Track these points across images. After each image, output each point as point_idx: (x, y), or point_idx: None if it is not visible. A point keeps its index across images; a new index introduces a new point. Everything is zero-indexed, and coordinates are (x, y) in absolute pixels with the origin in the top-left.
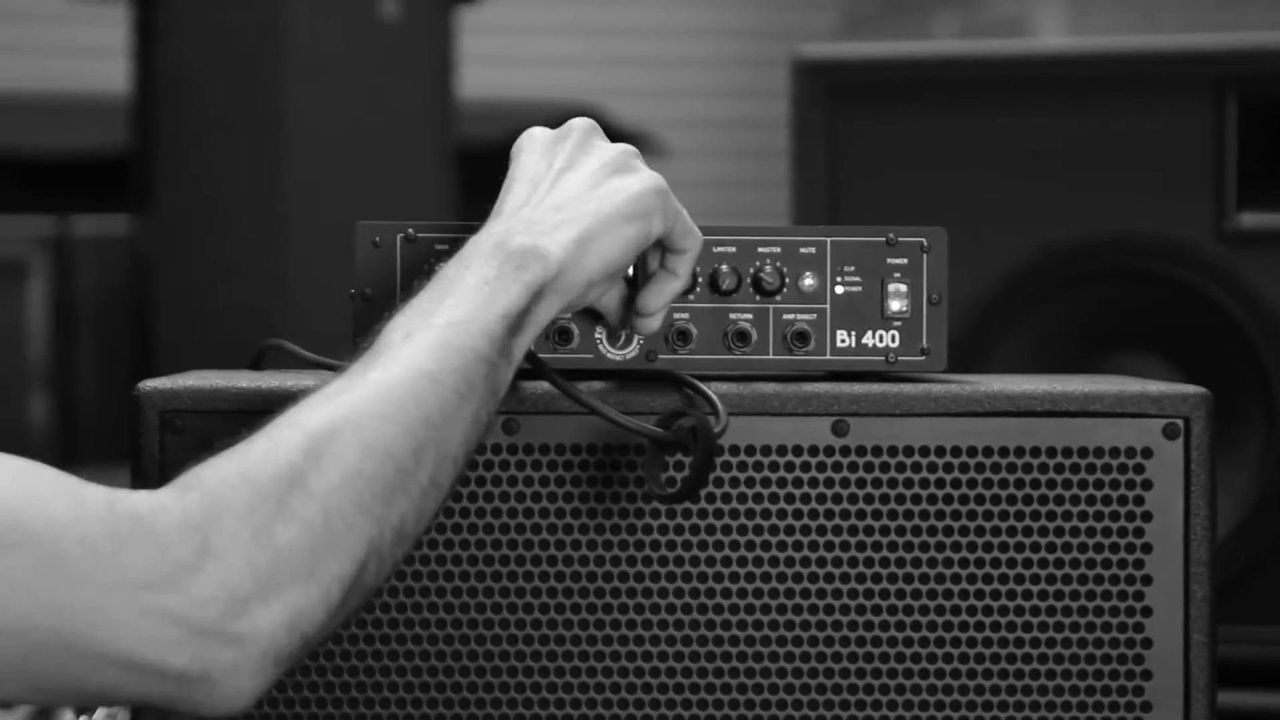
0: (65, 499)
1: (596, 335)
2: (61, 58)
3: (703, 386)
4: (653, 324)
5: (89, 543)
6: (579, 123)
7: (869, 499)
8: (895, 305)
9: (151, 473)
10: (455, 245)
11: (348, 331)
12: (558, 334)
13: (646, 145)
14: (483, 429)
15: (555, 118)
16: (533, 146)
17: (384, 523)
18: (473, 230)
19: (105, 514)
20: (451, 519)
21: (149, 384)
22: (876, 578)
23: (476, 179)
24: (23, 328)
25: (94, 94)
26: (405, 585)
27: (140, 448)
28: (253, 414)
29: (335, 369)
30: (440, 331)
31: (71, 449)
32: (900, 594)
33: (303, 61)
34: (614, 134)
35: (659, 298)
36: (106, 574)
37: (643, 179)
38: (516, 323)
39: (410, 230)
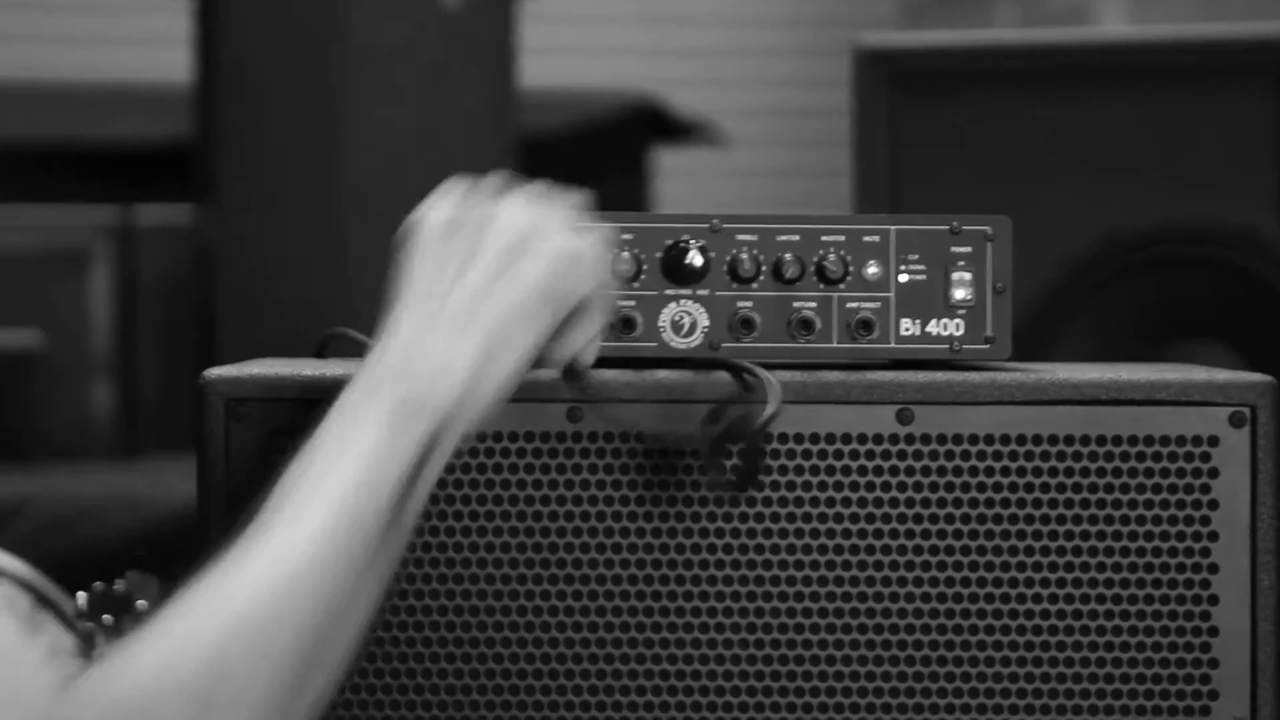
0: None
1: (659, 323)
2: (124, 47)
3: (762, 373)
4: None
5: None
6: (472, 214)
7: (934, 487)
8: (959, 294)
9: (217, 461)
10: None
11: None
12: (622, 322)
13: (706, 134)
14: (383, 588)
15: (615, 107)
16: (426, 243)
17: (294, 711)
18: None
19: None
20: (516, 506)
21: (214, 372)
22: (941, 565)
23: (536, 168)
24: (86, 317)
25: (156, 84)
26: (470, 572)
27: (206, 436)
28: (317, 401)
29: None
30: (335, 507)
31: (134, 438)
32: (965, 582)
33: (364, 51)
34: (674, 124)
35: (566, 350)
36: None
37: (544, 260)
38: (410, 482)
39: None
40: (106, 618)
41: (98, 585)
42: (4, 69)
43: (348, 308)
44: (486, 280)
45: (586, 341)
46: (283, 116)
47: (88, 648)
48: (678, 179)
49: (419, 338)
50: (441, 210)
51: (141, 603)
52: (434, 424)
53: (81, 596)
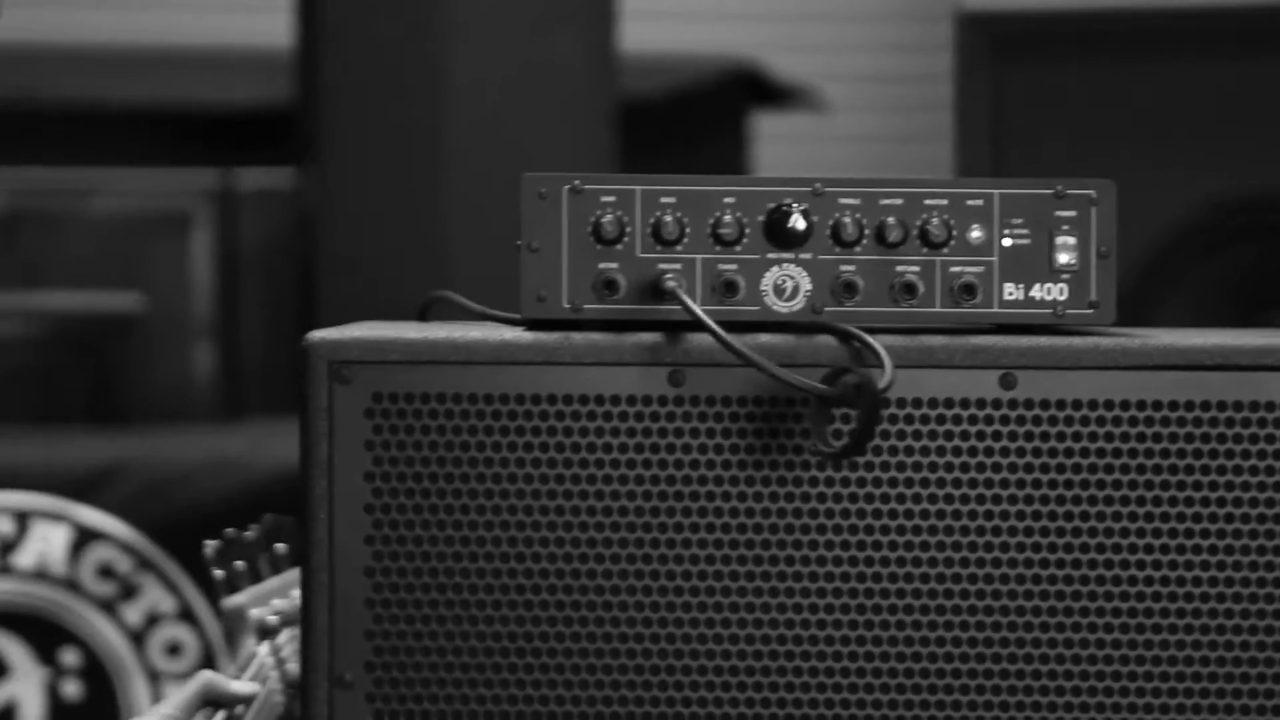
0: None
1: (761, 287)
2: (226, 11)
3: (870, 339)
4: None
5: None
6: None
7: (1037, 452)
8: (1063, 258)
9: (320, 423)
10: (621, 198)
11: (514, 282)
12: (724, 286)
13: (805, 99)
14: None
15: (714, 72)
16: None
17: None
18: (638, 184)
19: None
20: (618, 469)
21: (318, 335)
22: (1045, 531)
23: (636, 133)
24: (187, 280)
25: (258, 47)
26: (571, 535)
27: (309, 398)
28: (420, 364)
29: (501, 320)
30: None
31: (237, 401)
32: (1069, 547)
33: (465, 13)
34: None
35: None
36: None
37: None
38: None
39: (576, 182)
40: (239, 563)
41: (229, 531)
42: (107, 33)
43: (448, 270)
44: None
45: None
46: (383, 79)
47: (222, 593)
48: (777, 144)
49: None
50: None
51: (279, 546)
52: None
53: (211, 544)
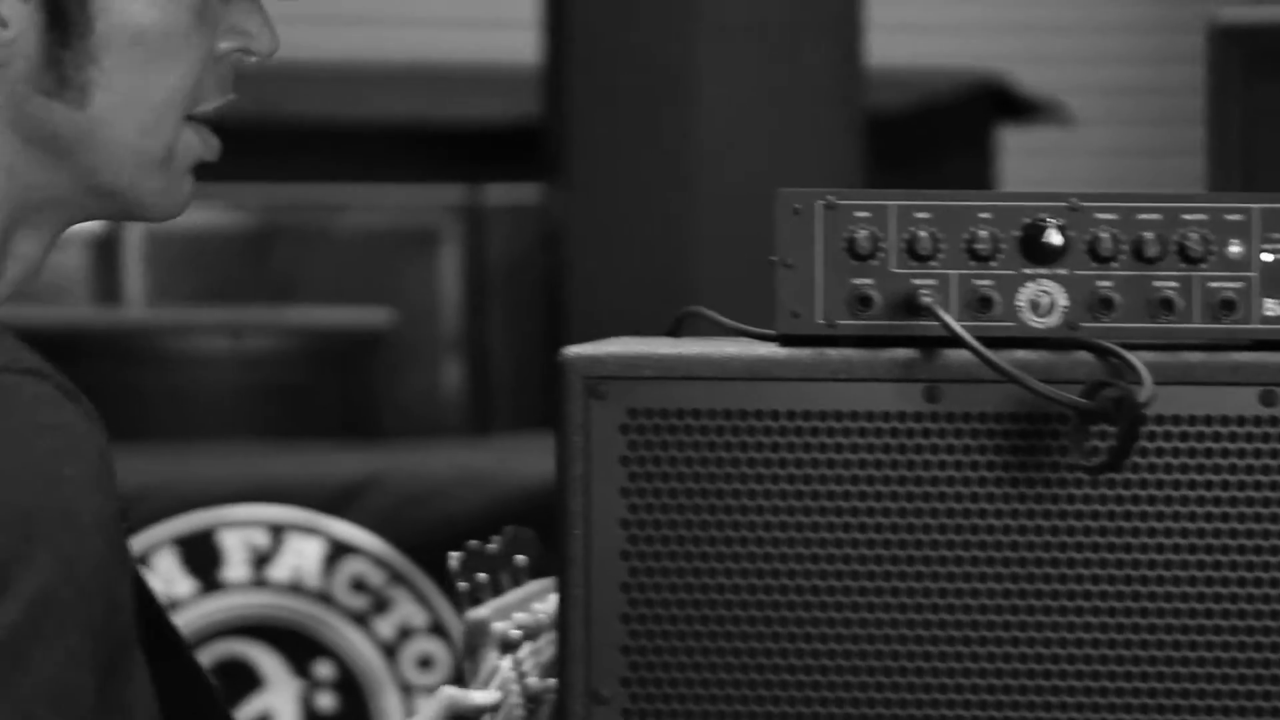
0: None
1: (1017, 302)
2: (474, 28)
3: (1128, 355)
4: None
5: None
6: None
7: None
8: None
9: (576, 439)
10: (875, 214)
11: (763, 297)
12: (979, 301)
13: (1052, 113)
14: None
15: (961, 85)
16: None
17: None
18: (891, 199)
19: None
20: (873, 486)
21: (573, 351)
22: None
23: (882, 147)
24: (436, 295)
25: (506, 63)
26: (827, 553)
27: (565, 414)
28: (675, 380)
29: (754, 335)
30: None
31: (485, 415)
32: None
33: (714, 28)
34: (1020, 102)
35: None
36: None
37: None
38: None
39: (830, 198)
40: (482, 576)
41: (472, 543)
42: (355, 51)
43: (697, 284)
44: None
45: None
46: (631, 94)
47: (465, 605)
48: (1022, 158)
49: None
50: None
51: (520, 558)
52: None
53: (455, 556)
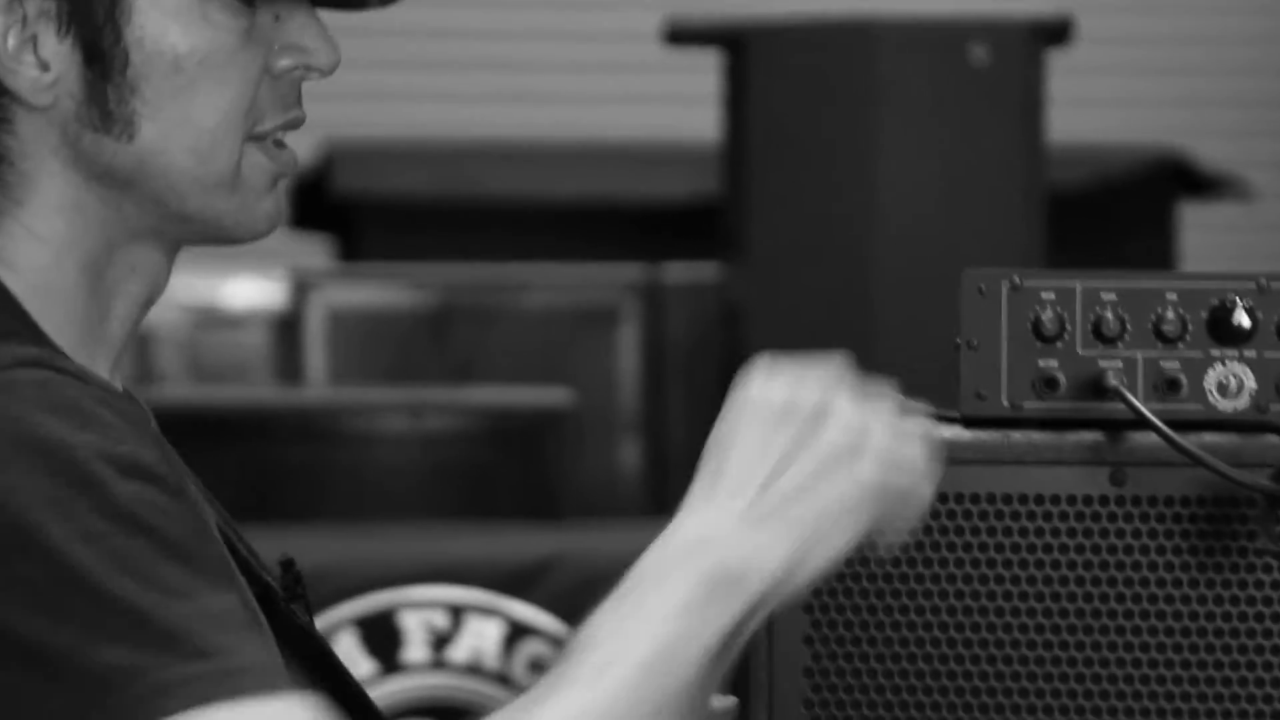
0: None
1: (1205, 385)
2: (654, 105)
3: None
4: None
5: None
6: (808, 402)
7: None
8: None
9: None
10: (1060, 295)
11: (946, 377)
12: (1166, 384)
13: (1233, 188)
14: None
15: (1140, 161)
16: (754, 421)
17: None
18: (1079, 279)
19: None
20: (1058, 570)
21: None
22: None
23: (1061, 224)
24: (614, 374)
25: (685, 140)
26: (1011, 637)
27: None
28: None
29: (938, 417)
30: (635, 673)
31: (662, 494)
32: None
33: (894, 107)
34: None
35: (883, 542)
36: None
37: (875, 463)
38: (724, 649)
39: (1015, 278)
40: None
41: None
42: (534, 129)
43: (877, 364)
44: (813, 476)
45: (903, 536)
46: (812, 172)
47: None
48: (1203, 233)
49: (735, 519)
50: (775, 391)
51: None
52: (746, 603)
53: None
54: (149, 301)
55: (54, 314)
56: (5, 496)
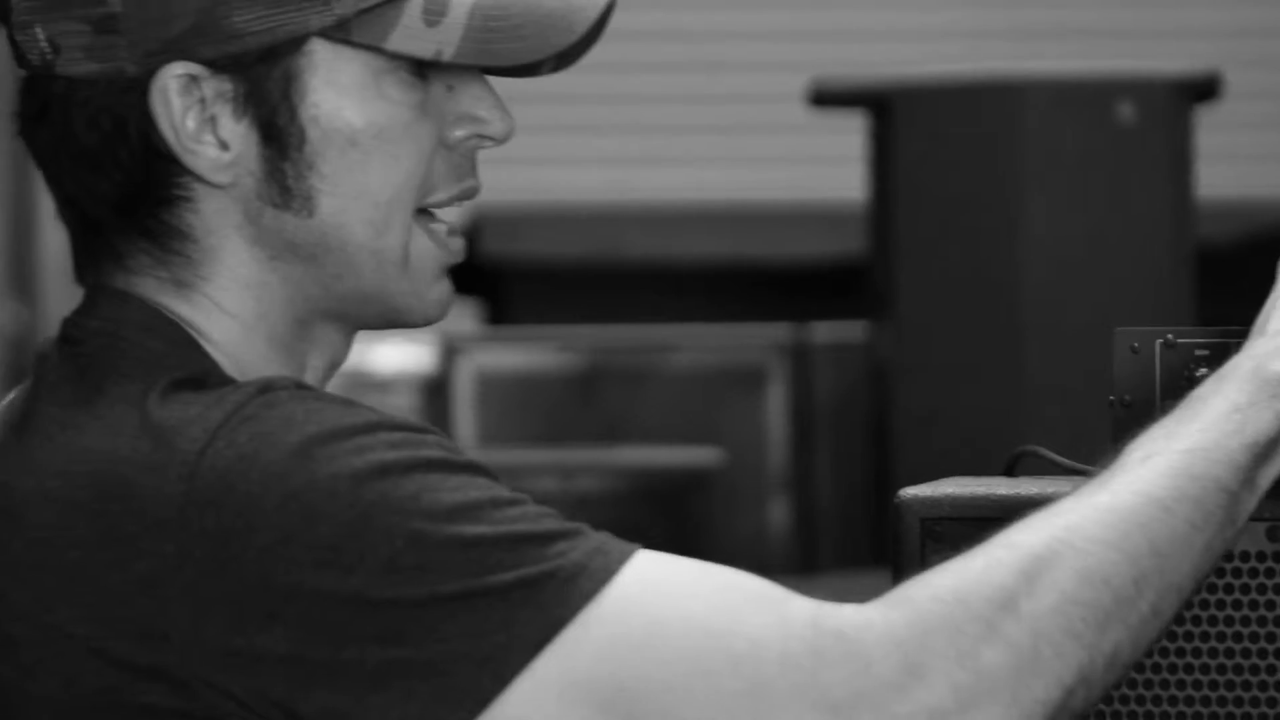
0: (768, 616)
1: None
2: (799, 165)
3: None
4: None
5: (790, 661)
6: None
7: None
8: None
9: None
10: (1215, 352)
11: (1099, 438)
12: None
13: None
14: (1216, 558)
15: None
16: None
17: (1095, 650)
18: (1233, 337)
19: (808, 631)
20: (1215, 626)
21: (909, 492)
22: None
23: (1215, 279)
24: (762, 433)
25: (830, 201)
26: (1168, 694)
27: (901, 555)
28: (1012, 521)
29: (1092, 475)
30: (1179, 457)
31: (811, 554)
32: None
33: (1040, 165)
34: None
35: None
36: (806, 694)
37: None
38: (1265, 451)
39: (1169, 336)
40: None
41: None
42: (679, 191)
43: (1027, 422)
44: None
45: None
46: (958, 231)
47: None
48: None
49: None
50: None
51: None
52: None
53: None
54: (330, 374)
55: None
56: (330, 486)
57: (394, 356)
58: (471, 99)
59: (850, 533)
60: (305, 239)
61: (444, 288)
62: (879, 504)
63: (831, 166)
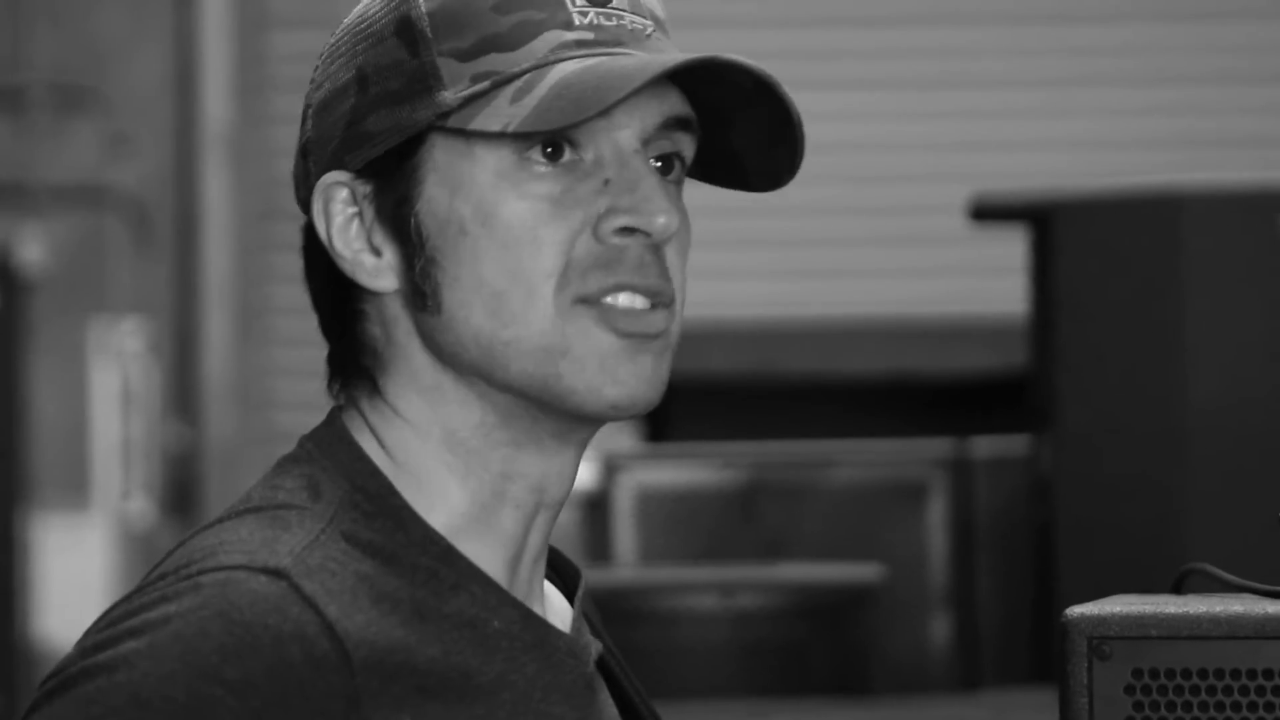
0: None
1: None
2: (958, 277)
3: None
4: None
5: None
6: None
7: None
8: None
9: (1080, 700)
10: None
11: (1268, 554)
12: None
13: None
14: None
15: None
16: None
17: None
18: None
19: None
20: None
21: (1076, 610)
22: None
23: None
24: (924, 549)
25: (990, 314)
26: None
27: (1069, 674)
28: (1181, 639)
29: (1262, 593)
30: None
31: (974, 670)
32: None
33: (1204, 278)
34: None
35: None
36: None
37: None
38: None
39: None
40: None
41: None
42: (838, 304)
43: (1193, 539)
44: None
45: None
46: (1120, 344)
47: None
48: None
49: None
50: None
51: None
52: None
53: None
54: (542, 505)
55: (426, 493)
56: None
57: None
58: (624, 191)
59: (1012, 649)
60: (445, 337)
61: (628, 371)
62: (1041, 619)
63: (993, 279)
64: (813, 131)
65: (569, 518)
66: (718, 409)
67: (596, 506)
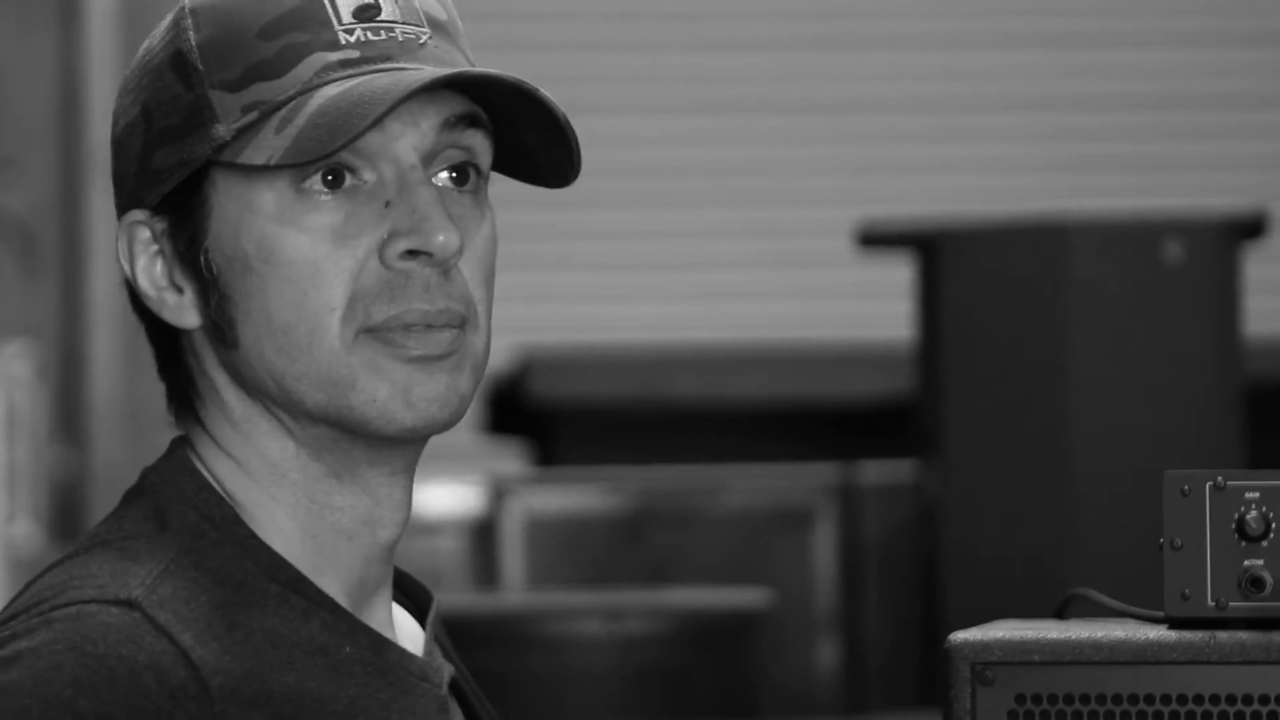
0: None
1: None
2: (850, 303)
3: None
4: None
5: None
6: None
7: None
8: None
9: None
10: (1265, 494)
11: (1149, 580)
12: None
13: None
14: None
15: None
16: None
17: None
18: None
19: None
20: None
21: (959, 635)
22: None
23: (1264, 418)
24: (810, 574)
25: (877, 341)
26: None
27: (951, 700)
28: (1064, 665)
29: (1142, 618)
30: None
31: (860, 695)
32: None
33: (1087, 307)
34: None
35: None
36: None
37: None
38: None
39: (1219, 479)
40: None
41: None
42: (724, 329)
43: (1077, 565)
44: None
45: None
46: (1006, 371)
47: None
48: None
49: None
50: None
51: None
52: None
53: None
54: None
55: (260, 524)
56: None
57: (441, 499)
58: (404, 213)
59: (899, 673)
60: (247, 372)
61: (419, 394)
62: (928, 644)
63: (882, 304)
64: (700, 154)
65: (456, 544)
66: (605, 434)
67: (484, 531)
